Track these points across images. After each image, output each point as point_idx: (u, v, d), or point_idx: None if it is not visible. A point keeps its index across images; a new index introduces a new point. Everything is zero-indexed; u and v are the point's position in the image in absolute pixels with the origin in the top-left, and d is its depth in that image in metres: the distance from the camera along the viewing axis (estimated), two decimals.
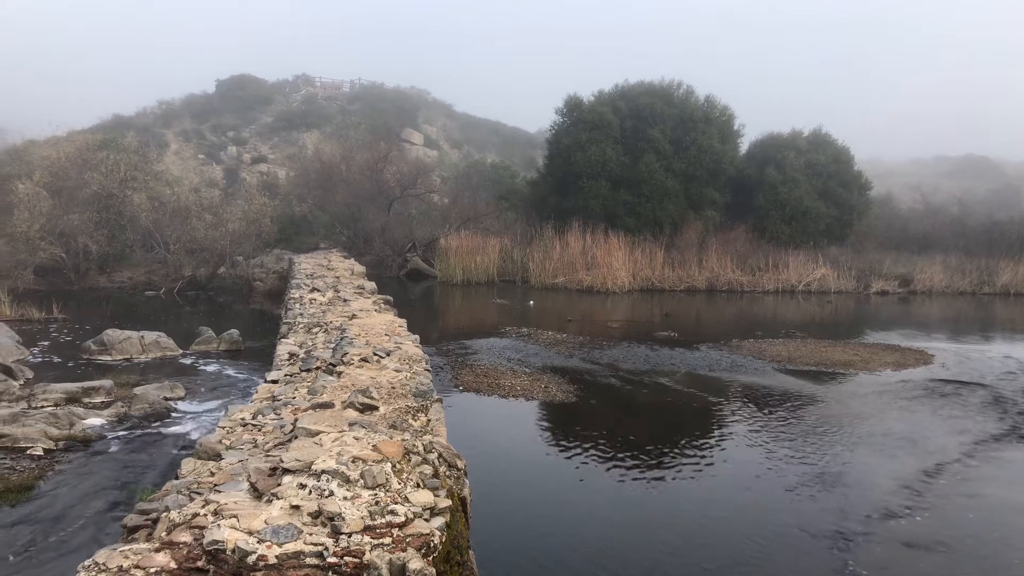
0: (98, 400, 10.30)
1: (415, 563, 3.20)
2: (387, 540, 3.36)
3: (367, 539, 3.34)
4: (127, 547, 3.28)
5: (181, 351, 14.14)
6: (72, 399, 10.19)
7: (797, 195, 32.44)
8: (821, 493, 7.70)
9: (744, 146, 34.96)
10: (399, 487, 3.93)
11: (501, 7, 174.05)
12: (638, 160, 31.62)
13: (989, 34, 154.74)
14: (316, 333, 9.47)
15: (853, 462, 8.72)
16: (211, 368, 13.04)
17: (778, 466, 8.54)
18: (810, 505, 7.39)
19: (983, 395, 12.23)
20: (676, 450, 9.14)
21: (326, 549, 3.21)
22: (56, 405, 9.85)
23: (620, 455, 8.79)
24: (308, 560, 3.16)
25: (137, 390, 10.57)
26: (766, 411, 10.97)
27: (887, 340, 18.19)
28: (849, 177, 34.23)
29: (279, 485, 3.82)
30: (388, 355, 7.70)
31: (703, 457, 8.87)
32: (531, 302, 24.19)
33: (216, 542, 3.17)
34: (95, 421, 9.28)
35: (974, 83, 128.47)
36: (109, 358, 13.33)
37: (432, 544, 3.42)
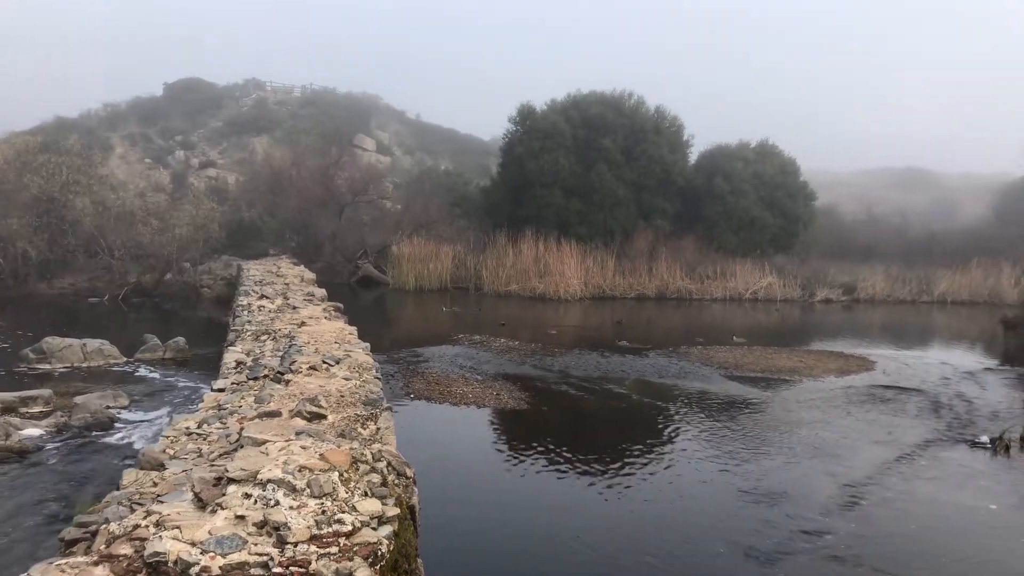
0: (36, 410, 9.98)
1: (362, 572, 3.19)
2: (334, 549, 3.34)
3: (313, 548, 3.31)
4: (64, 561, 3.20)
5: (125, 359, 13.80)
6: (8, 409, 9.83)
7: (744, 205, 33.15)
8: (757, 504, 7.72)
9: (693, 156, 35.57)
10: (346, 496, 3.90)
11: (456, 15, 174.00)
12: (590, 169, 31.95)
13: (938, 54, 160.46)
14: (264, 341, 9.33)
15: (792, 471, 8.85)
16: (156, 376, 12.76)
17: (717, 475, 8.63)
18: (744, 517, 7.38)
19: (921, 401, 12.64)
20: (622, 458, 9.23)
21: (271, 559, 3.18)
22: None
23: (568, 463, 8.87)
24: (253, 571, 3.12)
25: (78, 399, 10.27)
26: (711, 418, 11.17)
27: (831, 347, 18.69)
28: (795, 188, 35.08)
29: (224, 495, 3.76)
30: (337, 363, 7.63)
31: (645, 465, 8.97)
32: (479, 309, 24.20)
33: (158, 554, 3.11)
34: (32, 432, 9.00)
35: (921, 96, 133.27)
36: (49, 366, 12.94)
37: (379, 553, 3.40)
